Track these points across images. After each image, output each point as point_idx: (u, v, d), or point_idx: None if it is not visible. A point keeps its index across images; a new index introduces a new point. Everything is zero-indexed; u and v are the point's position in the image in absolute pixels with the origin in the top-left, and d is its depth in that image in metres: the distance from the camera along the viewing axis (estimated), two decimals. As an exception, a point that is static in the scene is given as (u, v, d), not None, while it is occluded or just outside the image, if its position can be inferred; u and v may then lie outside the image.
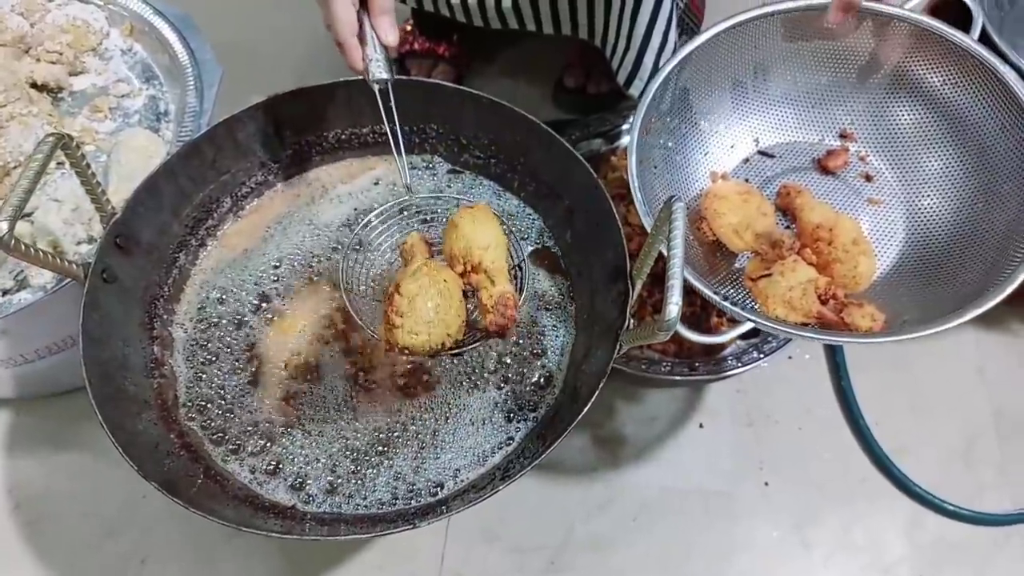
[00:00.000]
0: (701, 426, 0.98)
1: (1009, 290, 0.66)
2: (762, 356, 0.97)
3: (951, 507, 0.93)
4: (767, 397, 1.00)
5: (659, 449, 0.96)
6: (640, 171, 0.75)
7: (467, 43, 1.23)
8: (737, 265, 0.79)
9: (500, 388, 0.73)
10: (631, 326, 0.66)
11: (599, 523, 0.92)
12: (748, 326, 0.69)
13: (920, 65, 0.79)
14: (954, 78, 0.77)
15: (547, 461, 0.95)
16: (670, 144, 0.81)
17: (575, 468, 0.95)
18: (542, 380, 0.73)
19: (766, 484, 0.95)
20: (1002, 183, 0.74)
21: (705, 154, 0.84)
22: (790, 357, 1.03)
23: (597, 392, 0.62)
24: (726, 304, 0.67)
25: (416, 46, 1.19)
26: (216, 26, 1.26)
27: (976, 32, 0.76)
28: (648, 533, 0.92)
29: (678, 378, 0.94)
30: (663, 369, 0.97)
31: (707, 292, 0.68)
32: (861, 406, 0.99)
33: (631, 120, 0.77)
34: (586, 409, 0.62)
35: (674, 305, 0.56)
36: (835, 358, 1.02)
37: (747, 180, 0.84)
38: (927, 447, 0.98)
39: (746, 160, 0.85)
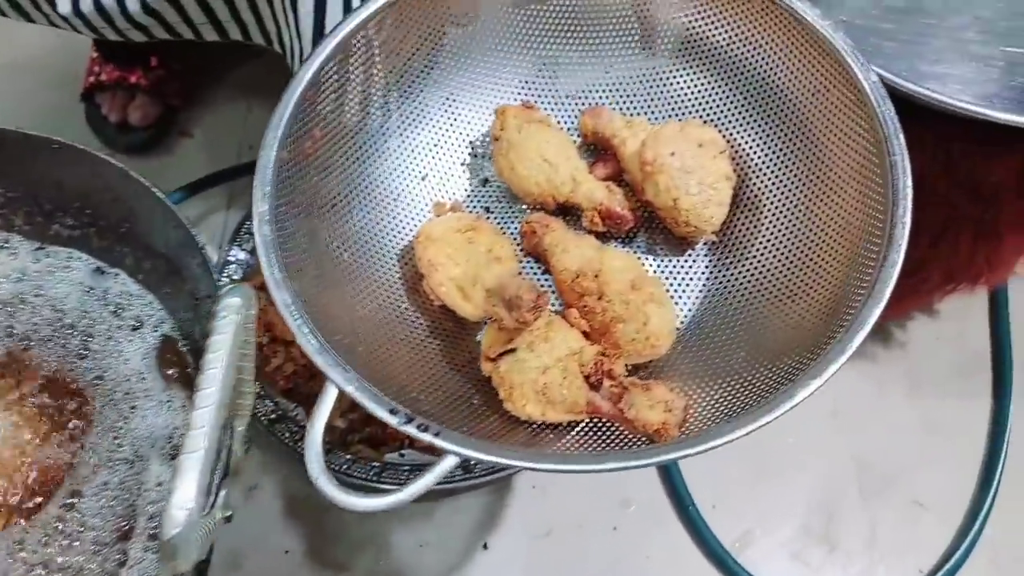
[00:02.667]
0: (486, 547, 0.74)
1: (855, 342, 0.44)
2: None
3: (814, 608, 0.71)
4: (571, 491, 0.77)
5: (430, 590, 0.70)
6: (292, 224, 0.48)
7: (178, 64, 0.97)
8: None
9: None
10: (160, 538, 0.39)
11: None
12: (452, 461, 0.41)
13: (697, 18, 0.57)
14: (742, 29, 0.55)
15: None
16: (357, 168, 0.55)
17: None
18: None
19: (574, 615, 0.70)
20: (829, 169, 0.52)
21: (422, 177, 0.58)
22: (595, 433, 0.79)
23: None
24: (411, 427, 0.41)
25: (103, 77, 0.94)
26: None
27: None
28: None
29: (449, 486, 0.73)
30: (428, 476, 0.70)
31: (379, 411, 0.41)
32: (690, 484, 0.77)
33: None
34: None
35: (179, 510, 0.30)
36: (652, 426, 0.78)
37: (488, 210, 0.59)
38: (779, 527, 0.78)
39: (486, 181, 0.60)
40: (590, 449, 0.46)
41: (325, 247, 0.51)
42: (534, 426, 0.47)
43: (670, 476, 0.77)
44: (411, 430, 0.40)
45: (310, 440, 0.39)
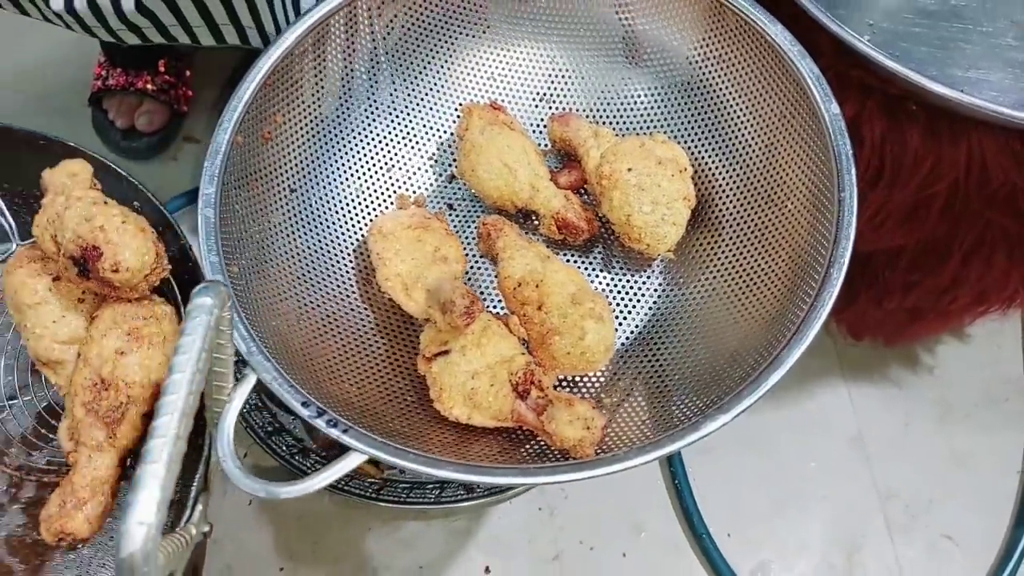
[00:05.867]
0: (488, 570, 0.72)
1: (770, 382, 0.42)
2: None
3: (835, 648, 0.67)
4: (579, 514, 0.74)
5: (428, 612, 0.68)
6: (241, 208, 0.49)
7: (186, 70, 0.97)
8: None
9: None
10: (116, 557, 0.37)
11: None
12: (360, 458, 0.41)
13: (672, 31, 0.56)
14: (716, 49, 0.55)
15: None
16: (320, 155, 0.55)
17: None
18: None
19: (579, 647, 0.67)
20: (786, 200, 0.50)
21: (388, 168, 0.57)
22: (606, 453, 0.75)
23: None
24: (320, 421, 0.42)
25: (111, 81, 0.93)
26: None
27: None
28: None
29: (451, 504, 0.71)
30: (429, 494, 0.69)
31: (293, 402, 0.42)
32: (705, 510, 0.73)
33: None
34: None
35: (136, 525, 0.27)
36: (665, 448, 0.75)
37: (451, 208, 0.57)
38: (799, 560, 0.74)
39: (453, 178, 0.58)
40: (509, 457, 0.46)
41: (277, 233, 0.51)
42: (461, 427, 0.47)
43: (683, 502, 0.73)
44: (320, 423, 0.41)
45: (223, 423, 0.39)
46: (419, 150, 0.58)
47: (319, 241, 0.53)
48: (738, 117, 0.53)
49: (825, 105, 0.48)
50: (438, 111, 0.58)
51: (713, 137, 0.54)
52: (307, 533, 0.71)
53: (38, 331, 0.48)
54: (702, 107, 0.55)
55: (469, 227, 0.57)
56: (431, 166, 0.58)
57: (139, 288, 0.47)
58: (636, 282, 0.54)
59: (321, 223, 0.53)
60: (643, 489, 0.75)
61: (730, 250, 0.51)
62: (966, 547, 0.73)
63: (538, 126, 0.59)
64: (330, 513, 0.72)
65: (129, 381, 0.46)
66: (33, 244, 0.47)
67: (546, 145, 0.58)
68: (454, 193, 0.58)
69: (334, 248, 0.53)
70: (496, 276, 0.52)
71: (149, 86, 0.91)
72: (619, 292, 0.54)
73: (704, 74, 0.55)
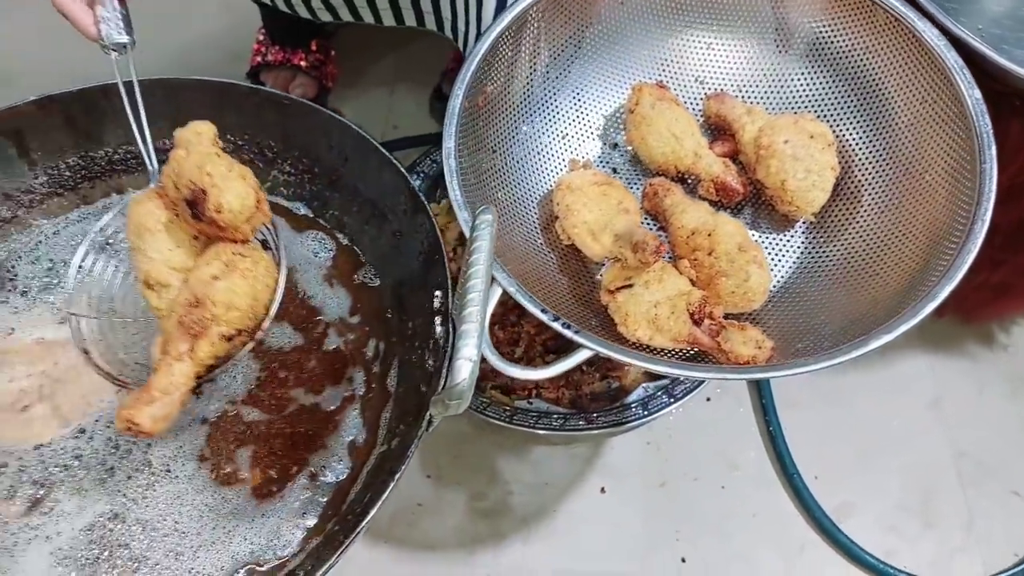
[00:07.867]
0: (603, 491, 0.81)
1: (926, 311, 0.51)
2: (673, 400, 0.80)
3: (909, 578, 0.76)
4: (683, 450, 0.83)
5: (552, 522, 0.79)
6: (464, 161, 0.59)
7: (335, 50, 1.08)
8: (600, 277, 0.63)
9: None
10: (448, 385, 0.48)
11: (475, 622, 0.74)
12: (586, 354, 0.52)
13: (824, 24, 0.64)
14: (865, 40, 0.63)
15: (412, 543, 0.77)
16: (513, 123, 0.65)
17: (448, 551, 0.77)
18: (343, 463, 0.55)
19: (683, 560, 0.78)
20: (924, 172, 0.59)
21: (563, 137, 0.67)
22: (708, 399, 0.85)
23: (384, 497, 0.44)
24: (557, 324, 0.51)
25: (269, 57, 1.05)
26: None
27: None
28: (535, 632, 0.73)
29: (573, 432, 0.79)
30: (554, 423, 0.80)
31: (534, 309, 0.52)
32: (795, 455, 0.82)
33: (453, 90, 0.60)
34: (364, 523, 0.43)
35: (465, 361, 0.39)
36: (761, 398, 0.84)
37: (615, 171, 0.67)
38: (878, 502, 0.82)
39: (615, 146, 0.68)
40: None
41: (485, 184, 0.61)
42: (640, 348, 0.56)
43: (776, 446, 0.82)
44: (557, 326, 0.51)
45: (482, 328, 0.48)
46: (588, 122, 0.68)
47: (512, 192, 0.63)
48: (883, 100, 0.61)
49: (968, 91, 0.56)
50: (605, 90, 0.68)
51: (856, 117, 0.63)
52: (449, 448, 0.82)
53: (153, 255, 0.53)
54: (847, 91, 0.63)
55: (630, 188, 0.66)
56: (597, 136, 0.68)
57: (242, 231, 0.52)
58: (781, 240, 0.63)
59: (513, 177, 0.63)
60: (738, 434, 0.84)
61: (869, 213, 0.60)
62: (1033, 501, 0.81)
63: (693, 103, 0.68)
64: (467, 433, 0.83)
65: (216, 300, 0.50)
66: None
67: (699, 120, 0.67)
68: (616, 159, 0.68)
69: (522, 199, 0.63)
70: (661, 229, 0.62)
71: (303, 63, 1.02)
72: (765, 248, 0.63)
73: (851, 63, 0.63)
